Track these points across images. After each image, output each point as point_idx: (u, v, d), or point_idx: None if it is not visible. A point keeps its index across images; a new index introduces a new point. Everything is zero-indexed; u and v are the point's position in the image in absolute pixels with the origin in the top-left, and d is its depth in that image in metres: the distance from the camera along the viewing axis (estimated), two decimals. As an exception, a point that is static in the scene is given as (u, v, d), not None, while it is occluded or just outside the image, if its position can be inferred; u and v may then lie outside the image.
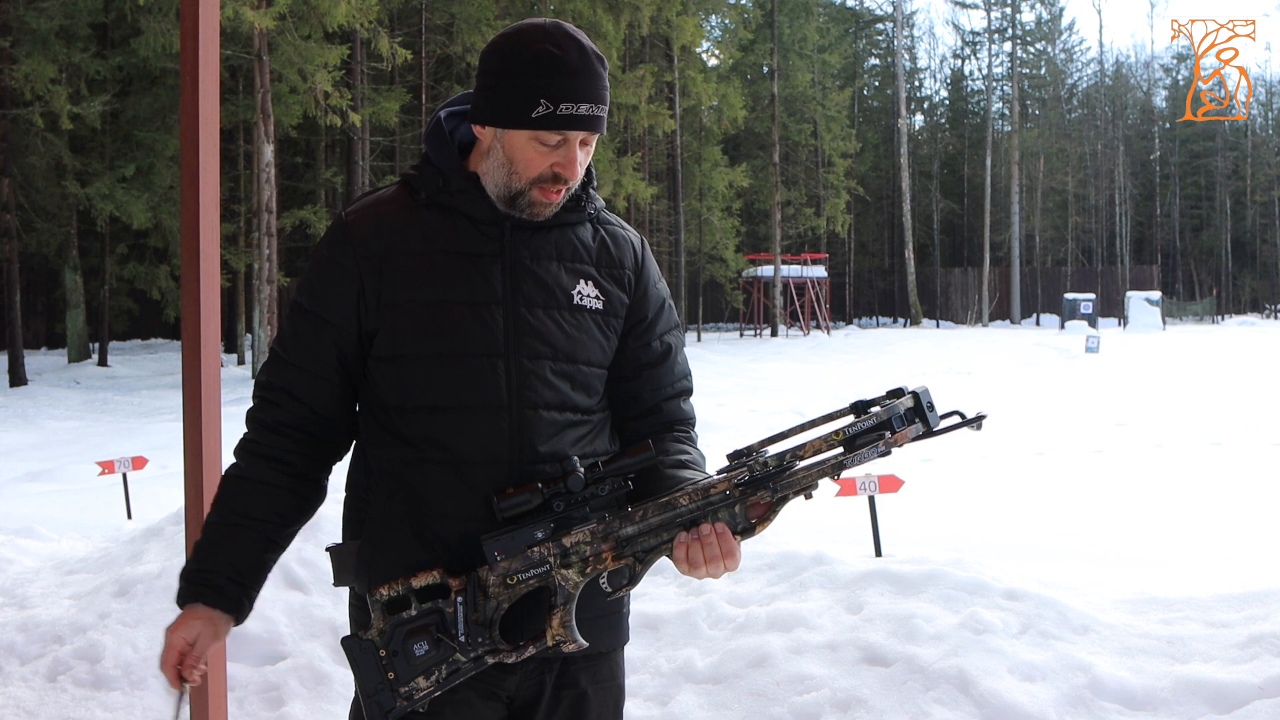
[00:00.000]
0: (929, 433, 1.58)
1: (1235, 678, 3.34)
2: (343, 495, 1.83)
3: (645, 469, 1.70)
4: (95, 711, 3.62)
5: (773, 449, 1.63)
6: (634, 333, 1.84)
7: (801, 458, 1.58)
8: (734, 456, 1.65)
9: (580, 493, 1.62)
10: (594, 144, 1.74)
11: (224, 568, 1.72)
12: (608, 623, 1.79)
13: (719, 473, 1.66)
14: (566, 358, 1.74)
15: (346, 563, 1.75)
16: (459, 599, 1.62)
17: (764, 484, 1.59)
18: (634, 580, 1.64)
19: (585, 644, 1.66)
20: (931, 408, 1.58)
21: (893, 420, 1.55)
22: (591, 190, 1.81)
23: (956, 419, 1.58)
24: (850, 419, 1.60)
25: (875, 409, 1.57)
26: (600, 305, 1.79)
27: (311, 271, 1.78)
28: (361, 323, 1.73)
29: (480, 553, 1.65)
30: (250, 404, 1.79)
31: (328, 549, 1.79)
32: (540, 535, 1.62)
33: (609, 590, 1.66)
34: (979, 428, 1.58)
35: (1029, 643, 3.64)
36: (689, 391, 1.91)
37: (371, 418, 1.77)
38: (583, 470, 1.62)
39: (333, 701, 3.66)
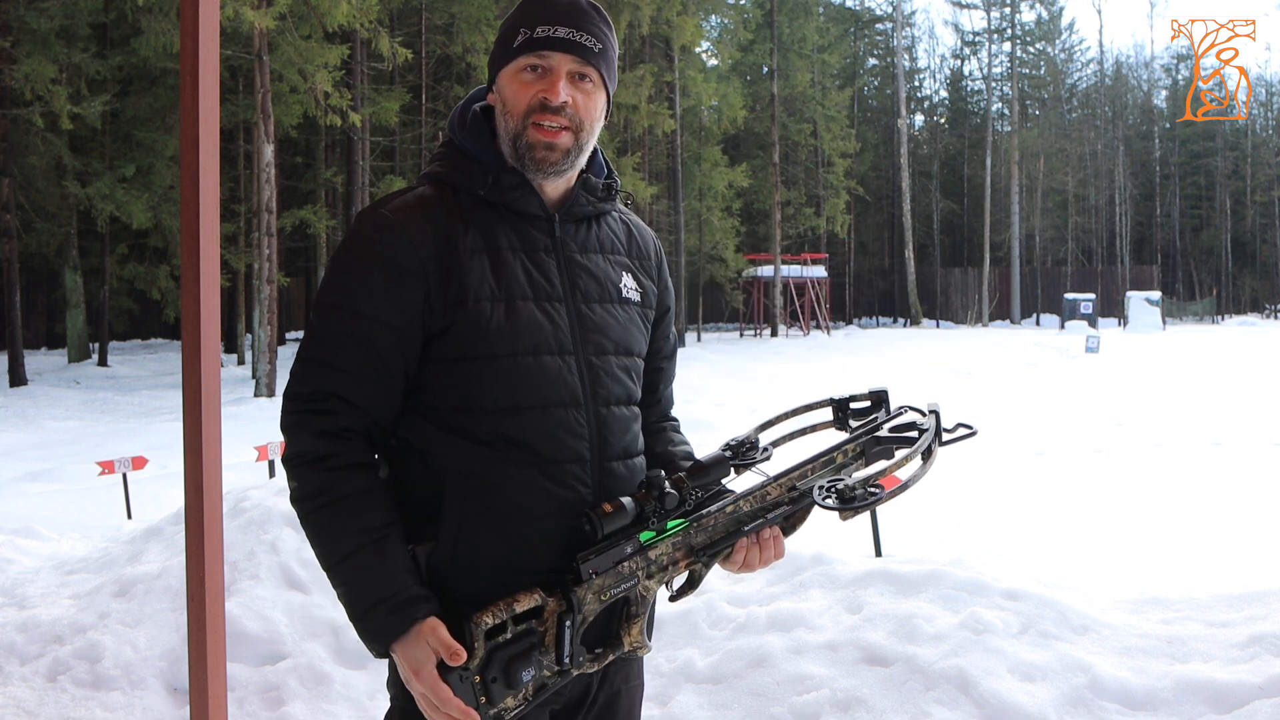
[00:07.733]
0: (941, 444, 1.77)
1: (1235, 678, 3.34)
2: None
3: (657, 456, 1.81)
4: (95, 711, 3.62)
5: (864, 472, 1.69)
6: (658, 324, 1.87)
7: (880, 484, 1.61)
8: (733, 448, 1.74)
9: (673, 508, 1.65)
10: (596, 89, 1.70)
11: (402, 579, 1.58)
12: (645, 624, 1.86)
13: (740, 471, 1.78)
14: (625, 351, 1.76)
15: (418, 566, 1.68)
16: (566, 622, 1.60)
17: (852, 505, 1.58)
18: (695, 584, 1.70)
19: (652, 647, 1.71)
20: (940, 424, 1.77)
21: (932, 445, 1.72)
22: (616, 178, 1.83)
23: (960, 431, 1.78)
24: (886, 427, 1.78)
25: (916, 424, 1.77)
26: (639, 298, 1.81)
27: (354, 271, 1.65)
28: (426, 325, 1.64)
29: (560, 552, 1.63)
30: (292, 420, 1.64)
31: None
32: (629, 550, 1.63)
33: (672, 593, 1.72)
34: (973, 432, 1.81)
35: (1029, 643, 3.64)
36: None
37: (429, 420, 1.66)
38: (668, 483, 1.64)
39: (333, 701, 3.66)
